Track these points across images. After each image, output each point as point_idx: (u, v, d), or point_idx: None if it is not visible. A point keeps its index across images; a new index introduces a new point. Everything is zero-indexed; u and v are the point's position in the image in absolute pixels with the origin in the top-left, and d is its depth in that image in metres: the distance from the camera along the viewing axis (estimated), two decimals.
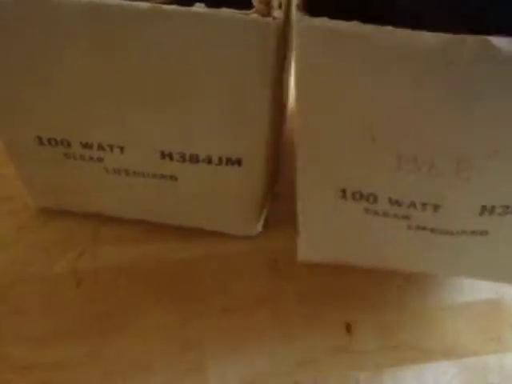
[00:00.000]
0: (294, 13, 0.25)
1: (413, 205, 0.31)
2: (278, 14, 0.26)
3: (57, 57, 0.29)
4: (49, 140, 0.33)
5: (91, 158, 0.34)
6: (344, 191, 0.31)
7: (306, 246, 0.37)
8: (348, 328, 0.38)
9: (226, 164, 0.33)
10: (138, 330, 0.38)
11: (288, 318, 0.38)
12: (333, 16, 0.24)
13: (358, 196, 0.31)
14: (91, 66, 0.29)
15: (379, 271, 0.39)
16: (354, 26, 0.24)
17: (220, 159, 0.33)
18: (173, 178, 0.35)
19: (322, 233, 0.36)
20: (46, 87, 0.31)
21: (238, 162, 0.33)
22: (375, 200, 0.31)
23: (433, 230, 0.33)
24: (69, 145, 0.33)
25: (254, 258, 0.40)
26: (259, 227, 0.39)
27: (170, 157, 0.33)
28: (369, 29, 0.24)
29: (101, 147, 0.33)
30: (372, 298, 0.39)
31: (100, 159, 0.34)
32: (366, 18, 0.24)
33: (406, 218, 0.32)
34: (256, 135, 0.32)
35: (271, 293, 0.39)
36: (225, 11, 0.26)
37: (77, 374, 0.37)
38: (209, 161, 0.33)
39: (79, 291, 0.39)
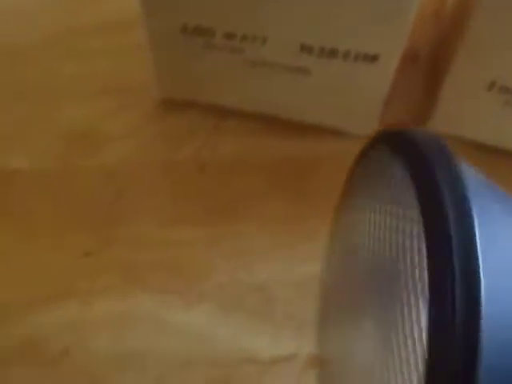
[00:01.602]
0: None
1: None
2: None
3: None
4: (194, 28, 0.34)
5: (232, 49, 0.35)
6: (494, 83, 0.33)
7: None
8: None
9: (362, 60, 0.34)
10: (255, 218, 0.39)
11: None
12: None
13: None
14: None
15: None
16: None
17: (357, 55, 0.34)
18: (307, 71, 0.36)
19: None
20: None
21: (374, 58, 0.34)
22: None
23: None
24: (213, 34, 0.34)
25: None
26: (376, 125, 0.40)
27: (310, 50, 0.34)
28: None
29: (244, 38, 0.34)
30: None
31: (241, 50, 0.35)
32: None
33: None
34: (397, 33, 0.33)
35: None
36: None
37: (198, 254, 0.38)
38: (346, 56, 0.34)
39: (201, 178, 0.40)
